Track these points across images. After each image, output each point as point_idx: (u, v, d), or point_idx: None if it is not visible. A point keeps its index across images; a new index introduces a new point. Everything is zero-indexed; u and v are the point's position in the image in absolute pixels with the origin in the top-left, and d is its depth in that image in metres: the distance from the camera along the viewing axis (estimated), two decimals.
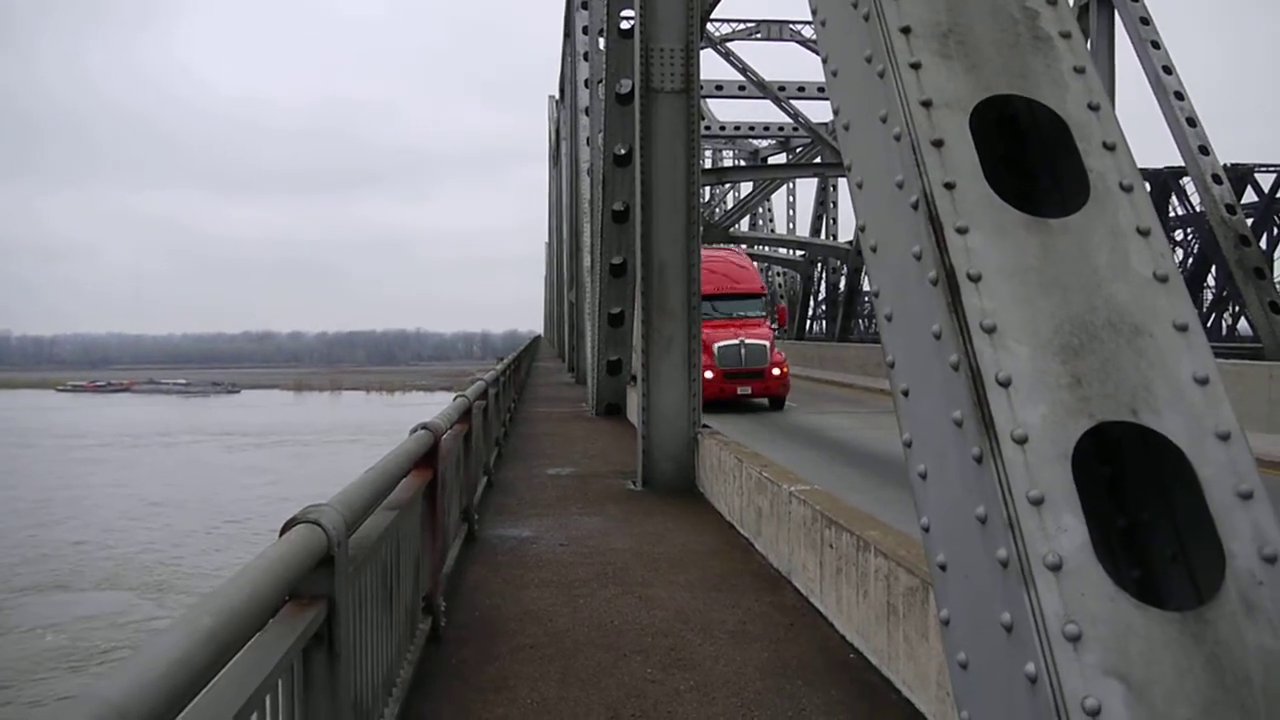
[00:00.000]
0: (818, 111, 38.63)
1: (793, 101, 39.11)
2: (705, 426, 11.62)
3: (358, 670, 3.47)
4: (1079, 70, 2.60)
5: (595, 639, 5.94)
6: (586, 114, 26.62)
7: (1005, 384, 2.19)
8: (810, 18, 3.27)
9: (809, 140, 43.16)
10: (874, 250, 2.75)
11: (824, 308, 52.91)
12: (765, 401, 22.74)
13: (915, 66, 2.57)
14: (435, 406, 9.07)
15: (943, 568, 2.37)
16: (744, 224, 54.35)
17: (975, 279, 2.31)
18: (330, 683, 2.90)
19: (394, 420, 56.92)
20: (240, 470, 46.57)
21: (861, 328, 47.24)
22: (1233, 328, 37.49)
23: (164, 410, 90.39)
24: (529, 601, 6.75)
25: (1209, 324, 36.94)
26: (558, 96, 47.52)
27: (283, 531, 2.77)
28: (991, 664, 2.15)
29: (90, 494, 39.57)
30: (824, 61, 3.10)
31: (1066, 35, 2.66)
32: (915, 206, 2.46)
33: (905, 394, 2.57)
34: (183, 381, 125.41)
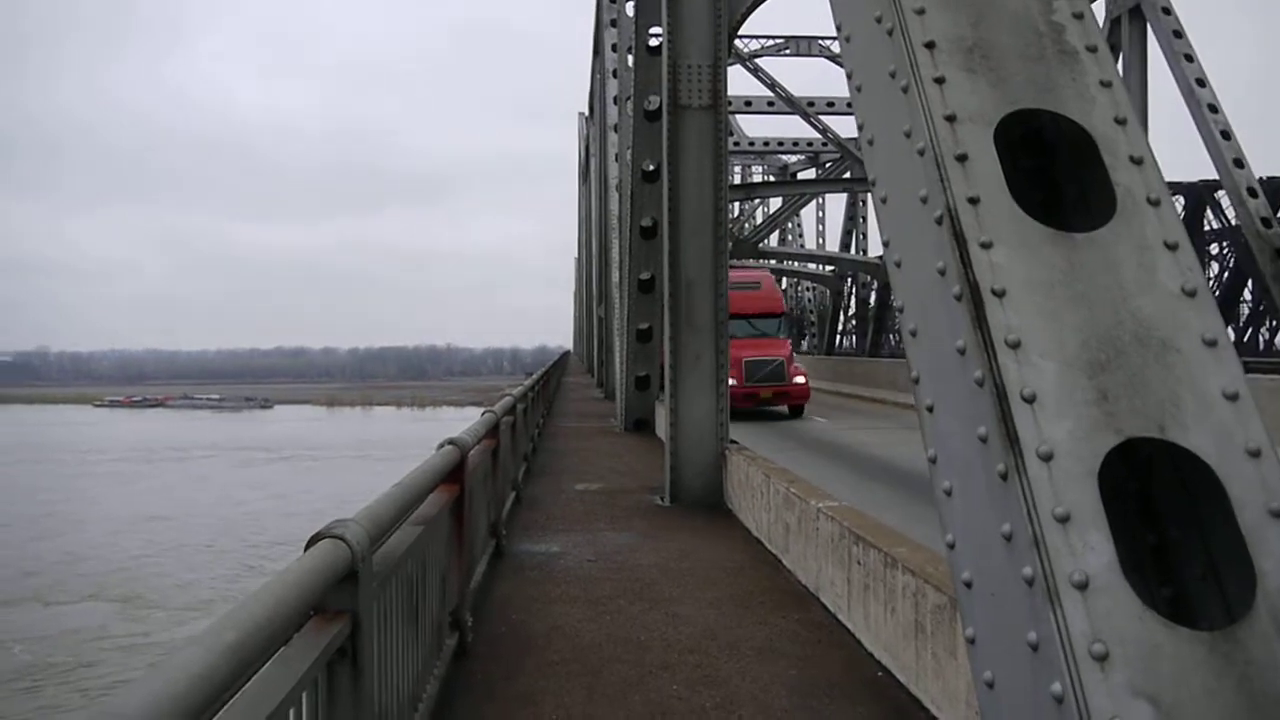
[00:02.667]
0: (847, 127, 38.52)
1: (822, 117, 39.03)
2: (733, 442, 11.59)
3: (383, 685, 3.48)
4: (1105, 84, 2.58)
5: (621, 655, 5.93)
6: (615, 130, 26.70)
7: (1030, 400, 2.17)
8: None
9: (838, 155, 43.08)
10: (898, 265, 2.74)
11: (854, 323, 52.73)
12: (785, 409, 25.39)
13: (939, 81, 2.56)
14: (463, 422, 9.10)
15: (968, 585, 2.34)
16: (773, 239, 54.31)
17: (1000, 294, 2.29)
18: (354, 697, 2.91)
19: (414, 436, 57.44)
20: (242, 486, 47.14)
21: (892, 343, 46.97)
22: (1270, 342, 36.95)
23: (189, 425, 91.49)
24: (556, 617, 6.74)
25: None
26: (587, 113, 47.75)
27: (308, 546, 2.78)
28: (1018, 683, 2.12)
29: (89, 508, 40.25)
30: (849, 77, 3.10)
31: (1093, 49, 2.64)
32: (939, 221, 2.45)
33: (930, 410, 2.55)
34: (216, 397, 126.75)
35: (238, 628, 2.00)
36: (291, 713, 2.39)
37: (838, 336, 54.35)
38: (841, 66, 3.22)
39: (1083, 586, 1.97)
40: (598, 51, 32.92)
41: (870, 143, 2.95)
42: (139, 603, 25.15)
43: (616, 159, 26.09)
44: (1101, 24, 17.44)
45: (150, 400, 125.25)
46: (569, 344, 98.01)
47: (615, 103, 26.75)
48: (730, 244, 14.09)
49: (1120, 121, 2.53)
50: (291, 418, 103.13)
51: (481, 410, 9.10)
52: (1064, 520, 2.04)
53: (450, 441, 5.71)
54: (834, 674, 5.61)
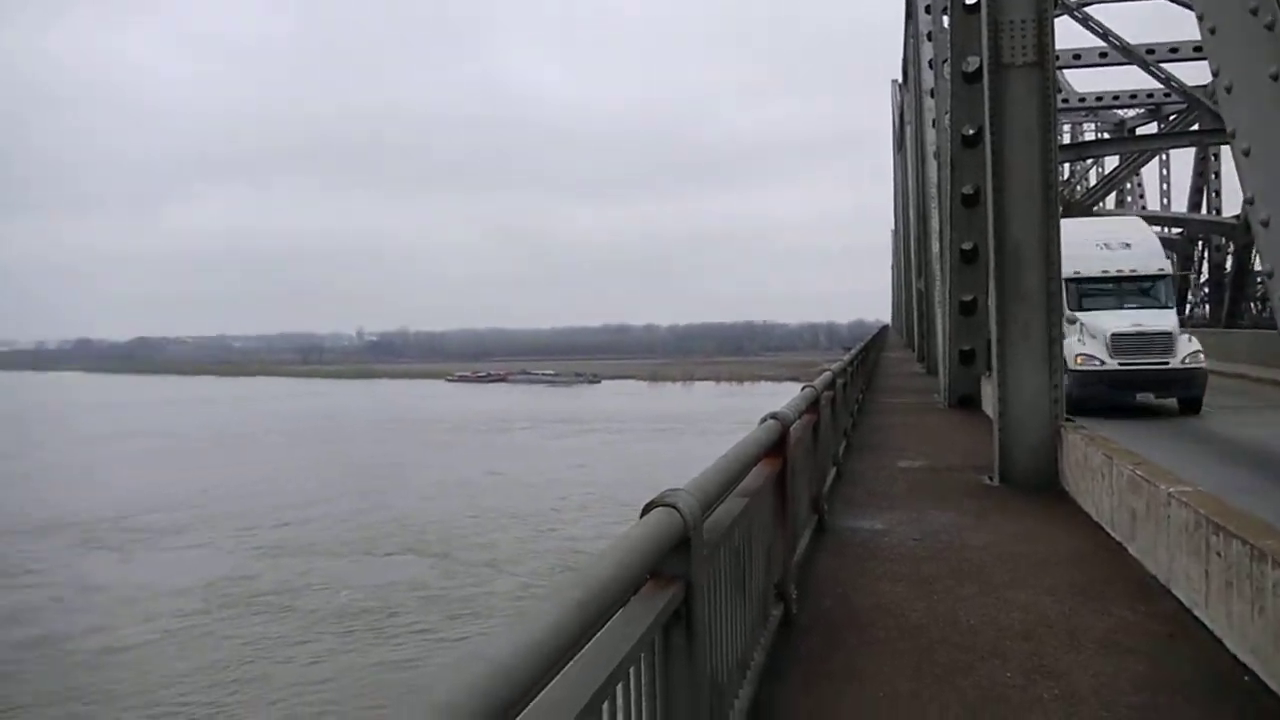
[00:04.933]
0: (1194, 74, 34.78)
1: (1163, 65, 35.50)
2: (1069, 419, 10.89)
3: (714, 649, 3.61)
4: None
5: (950, 637, 5.78)
6: (931, 96, 25.87)
7: None
8: None
9: (1184, 106, 39.11)
10: (1265, 225, 2.47)
11: (1207, 290, 47.87)
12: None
13: None
14: (780, 397, 9.20)
15: None
16: (1110, 201, 50.35)
17: None
18: (688, 659, 3.04)
19: (733, 409, 60.21)
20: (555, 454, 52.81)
21: (1254, 311, 42.03)
22: None
23: (526, 399, 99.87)
24: (880, 594, 6.68)
25: None
26: (900, 80, 46.33)
27: (643, 514, 2.94)
28: None
29: (416, 474, 47.00)
30: (1200, 19, 2.82)
31: None
32: None
33: None
34: (550, 372, 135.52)
35: (583, 586, 2.16)
36: (631, 671, 2.55)
37: (1188, 305, 49.45)
38: (1185, 7, 2.94)
39: None
40: (910, 14, 31.83)
41: (1228, 89, 2.67)
42: (451, 560, 28.73)
43: (934, 125, 25.28)
44: None
45: (494, 375, 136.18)
46: (887, 318, 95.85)
47: (931, 67, 25.95)
48: (1061, 208, 13.18)
49: None
50: (618, 391, 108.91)
51: (800, 385, 9.14)
52: None
53: (772, 415, 5.80)
54: (1188, 674, 5.16)
